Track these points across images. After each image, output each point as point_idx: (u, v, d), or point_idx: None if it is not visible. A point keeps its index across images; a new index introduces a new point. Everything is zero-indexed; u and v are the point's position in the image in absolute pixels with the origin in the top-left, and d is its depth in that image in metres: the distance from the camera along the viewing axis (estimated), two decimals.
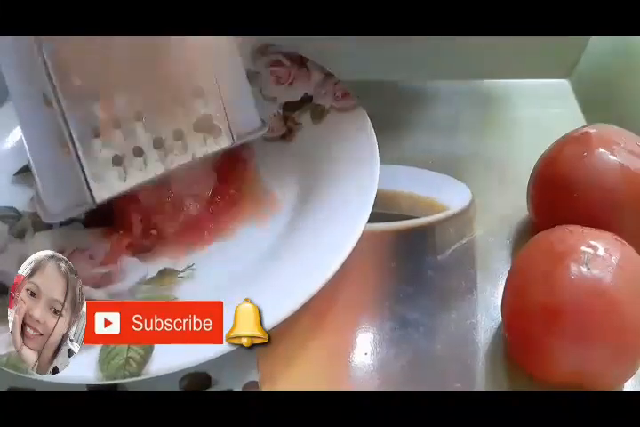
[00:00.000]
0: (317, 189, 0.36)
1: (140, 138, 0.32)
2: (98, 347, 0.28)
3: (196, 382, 0.31)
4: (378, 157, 0.35)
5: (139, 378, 0.27)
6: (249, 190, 0.37)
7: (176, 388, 0.31)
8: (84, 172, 0.31)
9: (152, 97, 0.32)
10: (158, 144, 0.33)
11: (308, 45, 0.41)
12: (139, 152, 0.32)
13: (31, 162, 0.32)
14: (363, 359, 0.32)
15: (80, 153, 0.31)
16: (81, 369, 0.28)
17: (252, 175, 0.38)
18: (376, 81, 0.40)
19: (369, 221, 0.37)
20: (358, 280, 0.35)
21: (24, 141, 0.32)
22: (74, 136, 0.30)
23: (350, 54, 0.41)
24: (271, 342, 0.31)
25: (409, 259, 0.36)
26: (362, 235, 0.32)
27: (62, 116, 0.30)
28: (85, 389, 0.30)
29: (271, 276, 0.32)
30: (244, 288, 0.31)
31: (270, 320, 0.29)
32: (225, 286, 0.32)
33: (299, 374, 0.31)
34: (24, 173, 0.38)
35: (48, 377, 0.28)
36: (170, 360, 0.28)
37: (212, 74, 0.33)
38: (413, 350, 0.32)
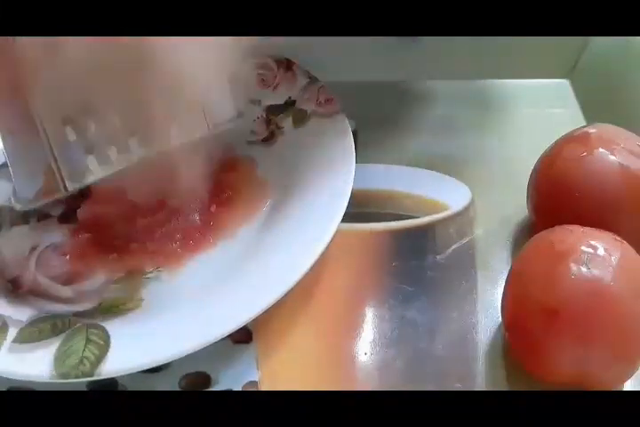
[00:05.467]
0: (293, 193, 0.36)
1: (112, 126, 0.32)
2: (55, 345, 0.29)
3: (196, 381, 0.31)
4: (354, 164, 0.35)
5: (91, 378, 0.27)
6: (245, 193, 0.37)
7: (176, 388, 0.31)
8: (55, 160, 0.30)
9: (126, 84, 0.31)
10: (132, 132, 0.32)
11: (307, 46, 0.41)
12: (112, 140, 0.32)
13: (3, 148, 0.31)
14: (363, 359, 0.32)
15: (51, 141, 0.30)
16: (36, 366, 0.28)
17: (251, 176, 0.38)
18: (376, 81, 0.40)
19: (370, 220, 0.38)
20: (358, 280, 0.35)
21: None
22: (45, 124, 0.30)
23: (350, 55, 0.42)
24: (272, 341, 0.31)
25: (409, 259, 0.36)
26: (362, 235, 0.32)
27: (33, 104, 0.29)
28: (85, 389, 0.30)
29: (241, 277, 0.32)
30: (213, 289, 0.32)
31: (242, 318, 0.29)
32: (193, 288, 0.32)
33: (298, 375, 0.31)
34: (4, 167, 0.38)
35: (2, 372, 0.28)
36: (124, 362, 0.28)
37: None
38: (413, 350, 0.32)
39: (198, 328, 0.29)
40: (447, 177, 0.40)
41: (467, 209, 0.39)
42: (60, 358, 0.28)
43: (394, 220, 0.33)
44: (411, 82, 0.47)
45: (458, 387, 0.31)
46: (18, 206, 0.31)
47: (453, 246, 0.37)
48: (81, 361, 0.28)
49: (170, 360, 0.28)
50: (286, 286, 0.30)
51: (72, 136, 0.31)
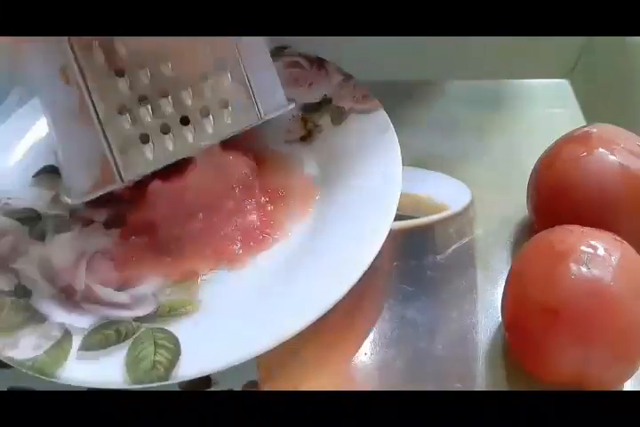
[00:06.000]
0: (341, 193, 0.35)
1: (166, 115, 0.32)
2: (124, 351, 0.28)
3: (196, 382, 0.31)
4: (400, 159, 0.35)
5: (167, 382, 0.27)
6: (295, 190, 0.37)
7: (176, 388, 0.31)
8: (111, 150, 0.30)
9: (178, 72, 0.31)
10: (185, 121, 0.32)
11: (309, 46, 0.41)
12: (166, 129, 0.32)
13: (57, 141, 0.31)
14: (363, 359, 0.32)
15: (107, 130, 0.30)
16: (108, 374, 0.28)
17: (299, 173, 0.38)
18: (376, 81, 0.40)
19: None
20: (358, 280, 0.35)
21: (49, 123, 0.31)
22: (99, 113, 0.30)
23: (350, 55, 0.41)
24: None
25: (409, 259, 0.36)
26: None
27: (87, 93, 0.30)
28: (85, 389, 0.30)
29: (300, 275, 0.32)
30: (272, 289, 0.32)
31: (310, 317, 0.29)
32: (251, 288, 0.32)
33: (299, 375, 0.31)
34: (43, 174, 0.38)
35: (73, 381, 0.27)
36: (197, 365, 0.28)
37: (233, 44, 0.33)
38: (413, 350, 0.32)
39: (265, 329, 0.29)
40: (447, 177, 0.40)
41: (467, 209, 0.39)
42: (131, 364, 0.28)
43: (394, 220, 0.33)
44: (410, 82, 0.47)
45: (458, 387, 0.31)
46: (73, 201, 0.31)
47: (453, 246, 0.37)
48: (154, 366, 0.28)
49: (241, 362, 0.28)
50: (348, 285, 0.30)
51: (127, 125, 0.30)
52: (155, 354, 0.28)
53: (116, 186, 0.31)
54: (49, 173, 0.37)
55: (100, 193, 0.31)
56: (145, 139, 0.31)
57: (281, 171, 0.38)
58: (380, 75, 0.42)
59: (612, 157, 0.32)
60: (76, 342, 0.29)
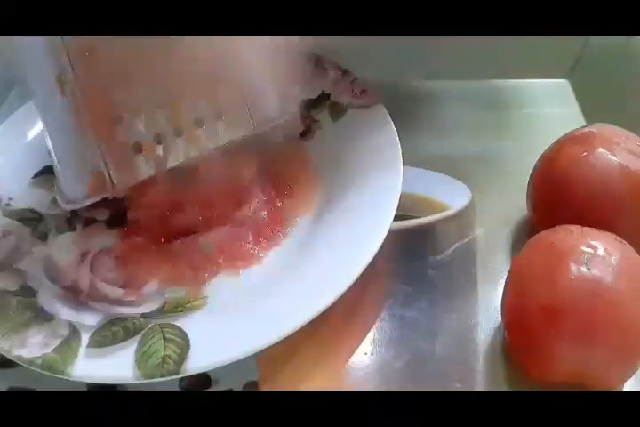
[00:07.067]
0: (341, 188, 0.35)
1: (161, 125, 0.32)
2: (133, 347, 0.29)
3: (196, 382, 0.31)
4: (400, 154, 0.35)
5: (177, 376, 0.27)
6: (302, 183, 0.37)
7: (176, 388, 0.31)
8: (103, 158, 0.30)
9: (173, 84, 0.32)
10: (179, 132, 0.32)
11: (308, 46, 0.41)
12: (159, 139, 0.32)
13: (50, 148, 0.31)
14: (363, 359, 0.32)
15: (100, 140, 0.30)
16: (118, 369, 0.28)
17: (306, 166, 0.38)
18: (376, 81, 0.40)
19: None
20: (358, 280, 0.35)
21: (44, 128, 0.31)
22: (94, 124, 0.30)
23: (350, 54, 0.42)
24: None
25: (409, 259, 0.36)
26: None
27: (82, 103, 0.30)
28: (85, 388, 0.30)
29: (296, 278, 0.32)
30: (275, 285, 0.32)
31: (298, 321, 0.29)
32: (255, 284, 0.32)
33: (298, 375, 0.31)
34: (42, 175, 0.38)
35: (84, 377, 0.28)
36: (207, 358, 0.28)
37: (230, 57, 0.33)
38: (413, 350, 0.32)
39: (271, 323, 0.29)
40: (447, 177, 0.40)
41: (467, 209, 0.39)
42: (141, 359, 0.28)
43: (394, 220, 0.33)
44: (410, 82, 0.47)
45: (458, 387, 0.31)
46: (67, 207, 0.31)
47: (454, 246, 0.37)
48: (164, 360, 0.28)
49: (248, 355, 0.28)
50: (348, 282, 0.30)
51: (121, 135, 0.30)
52: (164, 349, 0.28)
53: (108, 194, 0.31)
54: (48, 174, 0.37)
55: (94, 201, 0.31)
56: (138, 148, 0.31)
57: (286, 166, 0.38)
58: (380, 75, 0.42)
59: (612, 157, 0.32)
60: (85, 339, 0.29)
